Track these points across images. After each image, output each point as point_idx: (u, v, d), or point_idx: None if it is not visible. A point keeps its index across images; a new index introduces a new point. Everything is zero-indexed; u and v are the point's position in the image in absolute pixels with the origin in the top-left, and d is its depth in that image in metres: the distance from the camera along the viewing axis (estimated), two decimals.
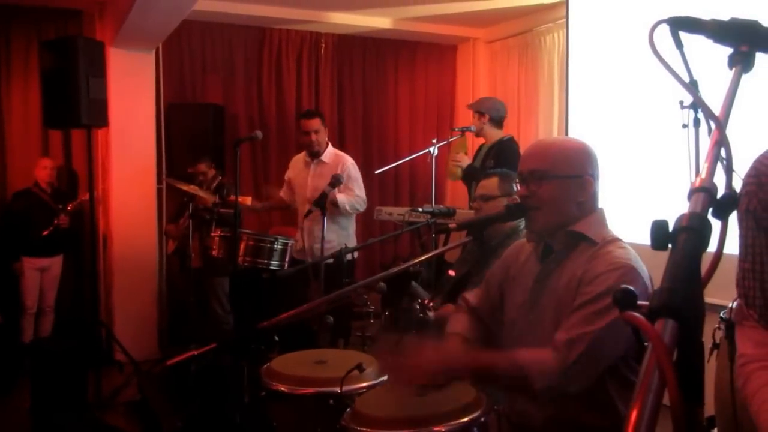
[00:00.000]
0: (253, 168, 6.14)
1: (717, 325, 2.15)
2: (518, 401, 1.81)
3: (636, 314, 0.51)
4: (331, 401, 1.92)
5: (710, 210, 0.59)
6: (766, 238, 1.07)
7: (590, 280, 1.63)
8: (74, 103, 4.03)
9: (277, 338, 2.34)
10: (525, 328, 1.80)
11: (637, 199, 3.89)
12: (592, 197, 1.76)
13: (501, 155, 4.38)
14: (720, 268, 0.64)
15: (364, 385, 1.98)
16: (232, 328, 4.70)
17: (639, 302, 0.55)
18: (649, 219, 0.61)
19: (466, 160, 4.51)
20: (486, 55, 6.53)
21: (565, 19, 5.02)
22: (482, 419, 1.66)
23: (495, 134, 4.55)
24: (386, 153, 6.51)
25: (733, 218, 1.10)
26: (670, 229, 0.58)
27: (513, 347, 1.82)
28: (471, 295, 2.05)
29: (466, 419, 1.62)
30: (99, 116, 4.19)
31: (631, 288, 0.58)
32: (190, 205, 4.52)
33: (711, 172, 0.63)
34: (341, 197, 4.04)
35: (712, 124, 0.71)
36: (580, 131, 4.64)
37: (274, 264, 3.95)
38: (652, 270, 1.64)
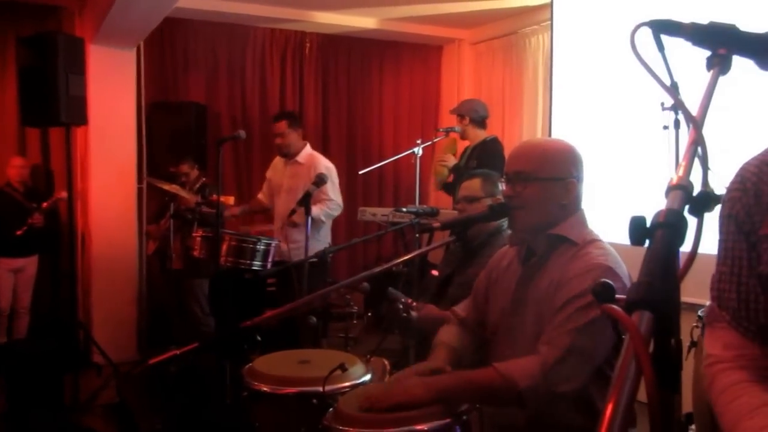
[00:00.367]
0: (236, 168, 6.11)
1: (695, 324, 2.18)
2: None
3: (614, 306, 0.52)
4: (314, 401, 1.91)
5: (686, 207, 0.60)
6: (746, 243, 1.08)
7: (567, 282, 1.65)
8: (53, 100, 3.98)
9: (259, 338, 2.33)
10: (507, 331, 1.81)
11: (619, 199, 3.93)
12: (575, 199, 1.78)
13: (484, 155, 4.41)
14: (699, 268, 0.65)
15: (347, 384, 1.98)
16: (211, 330, 4.67)
17: (617, 297, 0.55)
18: (642, 246, 0.62)
19: (452, 160, 4.53)
20: (471, 56, 6.55)
21: (549, 22, 5.06)
22: (464, 417, 1.65)
23: (478, 135, 4.57)
24: (370, 153, 6.51)
25: (710, 217, 1.12)
26: (648, 225, 0.59)
27: (496, 351, 1.84)
28: (459, 308, 2.07)
29: (448, 418, 1.62)
30: (78, 114, 4.14)
31: (610, 282, 0.59)
32: (171, 205, 4.48)
33: (688, 170, 0.64)
34: (315, 209, 4.04)
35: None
36: (563, 132, 4.68)
37: (257, 264, 3.93)
38: (633, 269, 1.66)
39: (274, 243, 4.06)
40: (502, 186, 1.86)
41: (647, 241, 0.58)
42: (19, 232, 4.69)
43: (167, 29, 5.53)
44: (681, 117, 2.74)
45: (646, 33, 0.88)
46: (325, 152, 5.25)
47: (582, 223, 1.78)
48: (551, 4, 4.97)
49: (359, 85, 6.61)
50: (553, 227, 1.75)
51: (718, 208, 1.12)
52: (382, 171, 6.37)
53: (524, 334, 1.74)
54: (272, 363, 2.15)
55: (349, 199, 5.41)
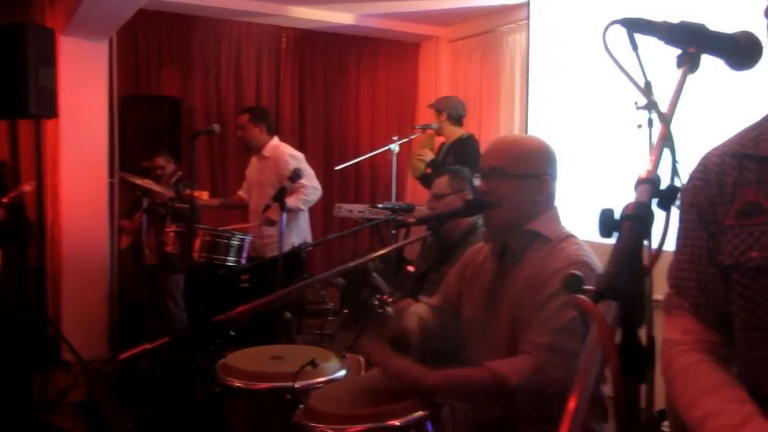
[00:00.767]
0: (211, 163, 6.05)
1: None
2: None
3: (581, 296, 0.53)
4: (288, 396, 1.90)
5: (655, 200, 0.61)
6: (706, 232, 1.10)
7: (545, 279, 1.65)
8: (22, 92, 3.90)
9: (233, 333, 2.31)
10: (481, 327, 1.81)
11: (593, 197, 3.97)
12: (549, 196, 1.79)
13: (460, 152, 4.43)
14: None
15: (321, 380, 1.98)
16: (185, 326, 4.63)
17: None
18: (610, 238, 0.62)
19: (429, 155, 4.55)
20: (448, 53, 6.56)
21: (526, 21, 5.09)
22: (436, 413, 1.66)
23: (454, 132, 4.60)
24: (347, 149, 6.50)
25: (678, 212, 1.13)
26: (616, 217, 0.60)
27: (471, 345, 1.84)
28: (431, 299, 2.08)
29: (420, 413, 1.63)
30: (48, 106, 4.07)
31: (579, 273, 0.60)
32: (144, 200, 4.42)
33: (656, 164, 0.65)
34: (291, 200, 4.03)
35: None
36: (539, 130, 4.72)
37: (231, 260, 3.90)
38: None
39: (248, 238, 4.03)
40: (476, 181, 1.86)
41: (615, 234, 0.59)
42: None
43: (140, 21, 5.44)
44: (654, 116, 2.78)
45: (620, 32, 0.90)
46: (302, 148, 5.24)
47: (555, 219, 1.80)
48: (528, 3, 5.00)
49: (336, 81, 6.59)
50: (526, 223, 1.76)
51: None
52: (358, 167, 6.37)
53: (499, 328, 1.75)
54: (245, 358, 2.15)
55: (326, 195, 5.39)
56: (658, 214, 0.60)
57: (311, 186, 4.27)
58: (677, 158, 0.67)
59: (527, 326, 1.65)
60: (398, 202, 4.53)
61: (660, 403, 2.57)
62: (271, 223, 3.95)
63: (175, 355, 3.39)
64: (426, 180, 4.52)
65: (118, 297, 5.21)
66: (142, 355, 1.73)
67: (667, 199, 0.61)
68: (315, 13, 5.97)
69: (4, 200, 4.61)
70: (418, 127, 4.87)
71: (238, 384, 1.99)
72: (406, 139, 4.83)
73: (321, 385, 1.95)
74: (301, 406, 1.75)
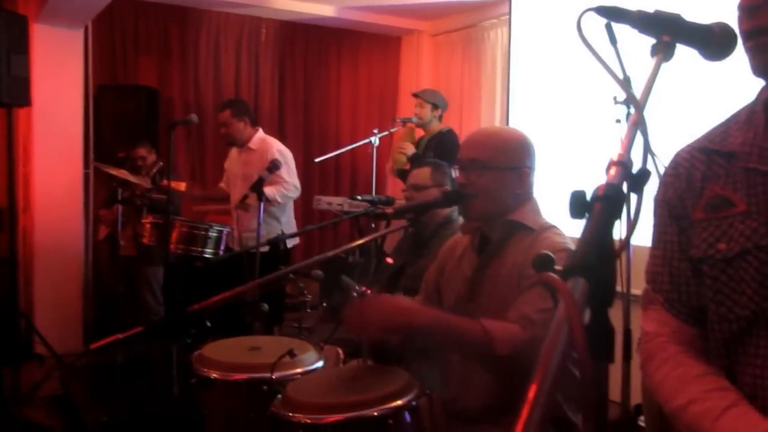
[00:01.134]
0: (189, 154, 6.00)
1: None
2: (452, 388, 1.82)
3: (550, 274, 0.53)
4: (265, 388, 1.89)
5: (626, 183, 0.62)
6: (677, 227, 1.11)
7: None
8: None
9: (209, 324, 2.29)
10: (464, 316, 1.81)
11: (572, 190, 4.00)
12: (529, 188, 1.80)
13: (439, 147, 4.45)
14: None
15: (298, 371, 1.97)
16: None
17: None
18: (582, 219, 0.62)
19: (411, 149, 4.55)
20: (430, 47, 6.56)
21: (508, 16, 5.11)
22: (414, 403, 1.66)
23: (434, 126, 4.62)
24: (327, 142, 6.48)
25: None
26: (588, 198, 0.60)
27: None
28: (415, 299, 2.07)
29: (398, 403, 1.62)
30: (21, 95, 3.99)
31: (549, 252, 0.60)
32: (119, 190, 4.37)
33: (628, 148, 0.66)
34: (269, 190, 4.00)
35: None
36: (520, 125, 4.73)
37: (208, 252, 3.87)
38: None
39: (226, 230, 4.00)
40: (455, 173, 1.85)
41: (586, 215, 0.59)
42: None
43: (117, 10, 5.37)
44: (633, 110, 2.80)
45: (600, 28, 0.90)
46: (282, 139, 5.20)
47: (536, 210, 1.81)
48: None
49: (316, 74, 6.56)
50: (507, 215, 1.77)
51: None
52: (338, 160, 6.35)
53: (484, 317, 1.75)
54: (222, 349, 2.13)
55: (305, 188, 5.37)
56: (630, 197, 0.61)
57: (292, 183, 4.26)
58: (649, 143, 0.67)
59: (516, 300, 1.64)
60: (378, 194, 4.53)
61: (636, 398, 2.59)
62: (246, 207, 3.90)
63: (150, 347, 3.36)
64: (403, 175, 4.53)
65: (94, 289, 5.15)
66: (115, 344, 1.71)
67: (638, 182, 0.62)
68: (295, 4, 5.92)
69: None
70: (398, 120, 4.87)
71: (214, 375, 1.97)
72: (386, 132, 4.82)
73: (298, 376, 1.94)
74: (279, 396, 1.74)
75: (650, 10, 0.91)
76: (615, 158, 0.63)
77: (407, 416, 1.64)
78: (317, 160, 5.33)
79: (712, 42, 0.90)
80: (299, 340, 2.39)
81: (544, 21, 4.69)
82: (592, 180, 0.66)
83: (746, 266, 0.98)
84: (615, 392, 2.47)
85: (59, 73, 4.76)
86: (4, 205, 4.62)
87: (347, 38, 6.61)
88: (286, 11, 5.98)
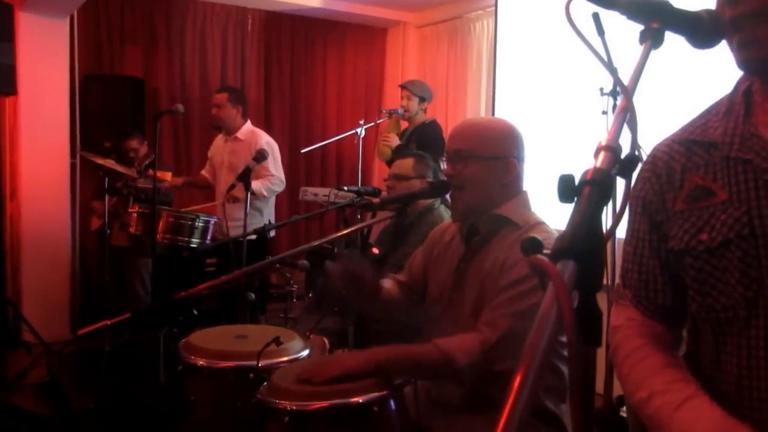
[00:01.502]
0: (175, 144, 5.96)
1: None
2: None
3: (539, 256, 0.53)
4: (251, 375, 1.89)
5: (614, 168, 0.62)
6: (649, 224, 1.12)
7: (513, 263, 1.65)
8: None
9: (195, 312, 2.29)
10: (448, 306, 1.82)
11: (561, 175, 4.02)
12: (516, 179, 1.79)
13: (422, 138, 4.45)
14: None
15: (284, 359, 1.97)
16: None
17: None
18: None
19: (396, 140, 4.56)
20: (416, 39, 6.55)
21: (494, 8, 5.11)
22: (399, 391, 1.67)
23: (418, 117, 4.63)
24: (313, 133, 6.46)
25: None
26: (576, 183, 0.61)
27: (434, 326, 1.85)
28: (398, 275, 2.08)
29: (383, 391, 1.63)
30: (7, 83, 3.96)
31: (538, 237, 0.61)
32: (106, 180, 4.33)
33: (616, 133, 0.66)
34: (255, 184, 4.00)
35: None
36: (506, 117, 4.74)
37: (195, 242, 3.85)
38: None
39: (212, 220, 3.98)
40: (443, 164, 1.87)
41: (575, 199, 0.60)
42: None
43: None
44: (617, 109, 2.82)
45: (586, 18, 0.90)
46: (268, 130, 5.18)
47: (525, 205, 1.80)
48: None
49: (302, 64, 6.53)
50: (495, 207, 1.76)
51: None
52: (324, 151, 6.33)
53: (464, 310, 1.76)
54: (209, 337, 2.13)
55: (291, 179, 5.36)
56: (618, 183, 0.62)
57: (278, 177, 4.25)
58: (637, 128, 0.68)
59: (487, 303, 1.66)
60: (364, 185, 4.53)
61: (619, 390, 2.62)
62: (236, 200, 3.90)
63: (137, 335, 3.35)
64: (392, 163, 4.54)
65: (82, 279, 5.12)
66: (102, 332, 1.71)
67: (626, 167, 0.62)
68: None
69: None
70: (385, 111, 4.87)
71: (201, 363, 1.97)
72: (372, 124, 4.83)
73: (284, 364, 1.94)
74: (265, 383, 1.75)
75: None
76: (603, 143, 0.64)
77: (392, 404, 1.65)
78: (303, 150, 5.32)
79: (701, 29, 0.89)
80: (285, 329, 2.39)
81: (530, 13, 4.70)
82: (578, 172, 0.67)
83: (730, 256, 0.99)
84: (598, 384, 2.50)
85: (45, 63, 4.72)
86: None
87: (333, 29, 6.59)
88: (272, 1, 5.95)
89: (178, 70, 5.93)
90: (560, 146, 4.17)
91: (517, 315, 1.59)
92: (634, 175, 0.68)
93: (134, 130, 4.94)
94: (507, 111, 4.90)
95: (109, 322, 1.71)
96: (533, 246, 0.58)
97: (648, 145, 1.15)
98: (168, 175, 4.28)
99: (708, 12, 0.92)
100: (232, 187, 3.50)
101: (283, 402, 1.61)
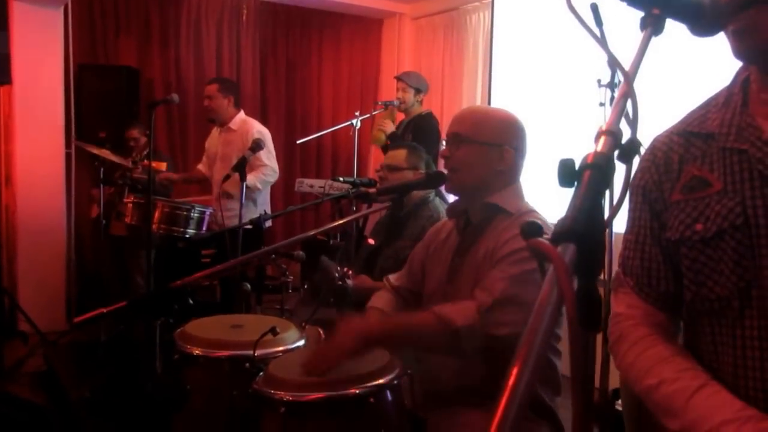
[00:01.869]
0: (170, 134, 5.95)
1: None
2: (431, 367, 1.84)
3: (539, 239, 0.53)
4: (247, 365, 1.89)
5: (615, 153, 0.62)
6: (650, 212, 1.12)
7: (504, 242, 1.66)
8: None
9: (191, 302, 2.28)
10: (442, 298, 1.82)
11: (555, 176, 4.03)
12: (512, 169, 1.79)
13: (418, 129, 4.45)
14: None
15: (280, 349, 1.97)
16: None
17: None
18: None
19: (391, 127, 4.55)
20: (412, 30, 6.53)
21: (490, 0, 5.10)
22: (395, 382, 1.67)
23: (414, 108, 4.62)
24: (309, 124, 6.45)
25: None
26: (577, 167, 0.61)
27: None
28: (393, 277, 2.09)
29: (379, 381, 1.63)
30: (1, 72, 3.94)
31: (537, 220, 0.60)
32: (101, 170, 4.32)
33: (617, 118, 0.66)
34: (249, 178, 3.98)
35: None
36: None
37: (190, 232, 3.84)
38: None
39: (208, 211, 3.98)
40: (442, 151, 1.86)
41: (575, 183, 0.59)
42: None
43: None
44: (617, 94, 2.81)
45: (585, 3, 0.89)
46: (263, 122, 5.17)
47: (518, 195, 1.81)
48: None
49: (298, 55, 6.51)
50: (487, 194, 1.77)
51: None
52: (320, 142, 6.32)
53: (460, 300, 1.76)
54: (205, 327, 2.13)
55: (287, 170, 5.36)
56: (619, 168, 0.61)
57: (270, 167, 4.24)
58: (638, 114, 0.67)
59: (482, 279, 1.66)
60: (359, 177, 4.53)
61: (614, 383, 2.62)
62: (229, 196, 3.90)
63: (133, 325, 3.34)
64: (387, 151, 4.53)
65: (78, 268, 5.11)
66: (99, 321, 1.70)
67: (627, 152, 0.62)
68: None
69: None
70: (380, 103, 4.86)
71: (197, 352, 1.96)
72: (368, 115, 4.82)
73: (280, 354, 1.94)
74: (261, 373, 1.75)
75: None
76: (604, 128, 0.64)
77: (388, 395, 1.66)
78: (299, 141, 5.31)
79: (702, 17, 0.88)
80: (281, 319, 2.39)
81: (526, 4, 4.69)
82: (577, 159, 0.66)
83: (724, 246, 0.99)
84: (594, 377, 2.50)
85: (40, 52, 4.70)
86: None
87: (329, 20, 6.57)
88: None
89: (173, 60, 5.91)
90: (557, 138, 4.17)
91: (511, 279, 1.59)
92: (635, 163, 0.67)
93: (135, 121, 4.93)
94: (503, 103, 4.89)
95: (105, 311, 1.70)
96: (533, 229, 0.58)
97: (647, 138, 1.15)
98: (163, 166, 4.26)
99: None
100: (228, 177, 3.49)
101: (279, 393, 1.61)
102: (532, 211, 1.76)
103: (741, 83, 1.06)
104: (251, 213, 4.09)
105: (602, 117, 2.95)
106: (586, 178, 0.59)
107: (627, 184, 0.62)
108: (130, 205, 3.94)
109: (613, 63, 0.73)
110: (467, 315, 1.57)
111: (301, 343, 2.06)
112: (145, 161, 3.82)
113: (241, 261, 1.99)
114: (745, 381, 0.98)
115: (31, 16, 4.65)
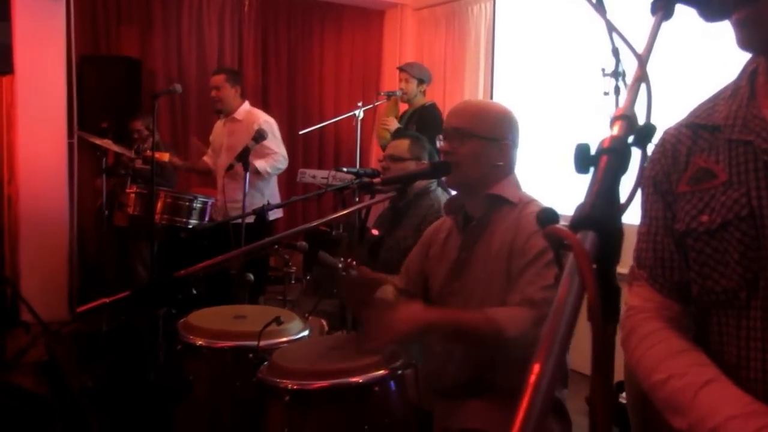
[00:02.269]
0: (172, 125, 5.93)
1: None
2: (436, 361, 1.83)
3: (557, 226, 0.52)
4: (250, 355, 1.89)
5: (630, 137, 0.61)
6: (662, 203, 1.12)
7: (525, 240, 1.66)
8: None
9: (194, 292, 2.28)
10: (450, 296, 1.82)
11: (558, 167, 4.01)
12: (509, 162, 1.81)
13: (422, 120, 4.43)
14: None
15: (283, 339, 1.97)
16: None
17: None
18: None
19: (395, 124, 4.54)
20: (413, 22, 6.50)
21: None
22: (399, 372, 1.67)
23: (418, 100, 4.61)
24: (311, 115, 6.43)
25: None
26: (593, 152, 0.60)
27: None
28: (396, 280, 2.07)
29: (383, 371, 1.63)
30: (3, 62, 3.93)
31: (552, 208, 0.59)
32: (104, 160, 4.32)
33: (631, 102, 0.65)
34: (260, 163, 3.97)
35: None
36: (504, 100, 4.72)
37: (193, 223, 3.84)
38: None
39: (210, 201, 3.97)
40: (440, 143, 1.85)
41: (592, 169, 0.58)
42: None
43: None
44: (621, 83, 2.79)
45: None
46: (266, 112, 5.16)
47: (516, 184, 1.82)
48: None
49: (300, 46, 6.49)
50: (486, 187, 1.78)
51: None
52: (322, 133, 6.31)
53: (473, 295, 1.76)
54: (207, 317, 2.13)
55: (290, 161, 5.32)
56: (634, 152, 0.60)
57: (280, 154, 4.23)
58: (652, 97, 0.66)
59: (515, 283, 1.65)
60: (362, 167, 4.51)
61: (618, 375, 2.63)
62: (236, 175, 3.85)
63: (136, 315, 3.34)
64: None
65: (82, 259, 5.12)
66: (101, 310, 1.70)
67: (643, 136, 0.61)
68: None
69: None
70: (383, 93, 4.85)
71: (200, 342, 1.97)
72: (370, 106, 4.80)
73: (284, 344, 1.94)
74: (265, 363, 1.74)
75: None
76: (618, 113, 0.62)
77: (392, 385, 1.66)
78: (301, 132, 5.30)
79: (713, 1, 0.88)
80: (284, 309, 2.39)
81: None
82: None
83: (729, 237, 0.99)
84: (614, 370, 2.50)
85: (42, 42, 4.68)
86: None
87: (330, 11, 6.54)
88: None
89: (175, 51, 5.89)
90: (560, 128, 4.16)
91: (549, 288, 1.59)
92: (649, 148, 0.66)
93: (138, 112, 4.93)
94: (505, 94, 4.87)
95: (108, 300, 1.70)
96: (549, 217, 0.57)
97: (659, 130, 1.14)
98: (165, 156, 4.25)
99: None
100: (231, 167, 3.49)
101: (284, 381, 1.61)
102: (533, 200, 1.78)
103: (749, 75, 1.05)
104: (257, 203, 4.08)
105: (606, 106, 2.94)
106: (603, 163, 0.58)
107: (642, 171, 0.61)
108: (133, 196, 3.94)
109: (626, 45, 0.72)
110: (520, 326, 1.55)
111: (305, 333, 2.06)
112: (148, 152, 3.81)
113: (244, 251, 1.98)
114: (746, 372, 0.98)
115: (33, 6, 4.64)
